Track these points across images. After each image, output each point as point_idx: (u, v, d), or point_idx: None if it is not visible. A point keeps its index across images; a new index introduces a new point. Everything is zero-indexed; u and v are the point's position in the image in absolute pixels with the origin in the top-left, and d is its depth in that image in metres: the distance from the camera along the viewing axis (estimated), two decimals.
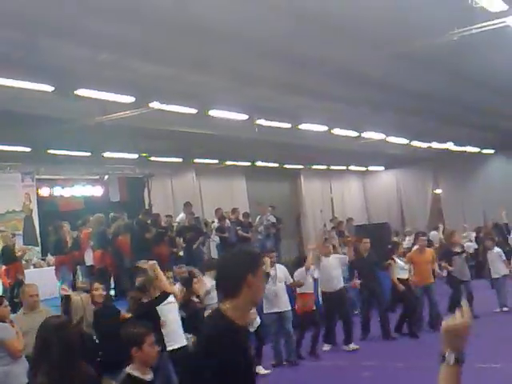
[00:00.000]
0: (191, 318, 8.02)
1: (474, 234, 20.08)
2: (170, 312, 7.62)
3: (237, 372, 2.72)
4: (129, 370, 4.36)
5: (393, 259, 12.14)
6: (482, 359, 8.77)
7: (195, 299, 8.72)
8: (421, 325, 11.93)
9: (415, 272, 12.09)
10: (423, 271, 12.03)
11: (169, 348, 7.30)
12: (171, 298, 7.60)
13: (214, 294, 8.10)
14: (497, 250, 13.73)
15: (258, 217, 17.61)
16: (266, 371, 9.50)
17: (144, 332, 4.49)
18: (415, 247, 12.76)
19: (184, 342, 7.67)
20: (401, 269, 11.98)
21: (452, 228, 19.11)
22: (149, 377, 4.40)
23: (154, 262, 7.69)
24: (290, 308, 10.21)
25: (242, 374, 2.76)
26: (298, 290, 10.69)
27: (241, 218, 16.95)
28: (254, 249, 3.28)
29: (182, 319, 7.91)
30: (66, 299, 6.87)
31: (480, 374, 8.26)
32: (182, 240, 14.28)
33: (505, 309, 13.07)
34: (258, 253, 3.24)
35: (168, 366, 7.13)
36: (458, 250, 13.58)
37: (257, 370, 9.33)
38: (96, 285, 7.39)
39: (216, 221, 16.66)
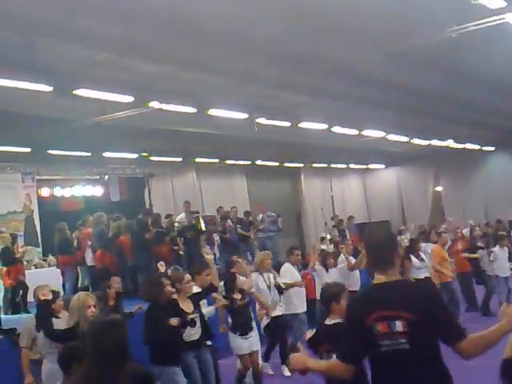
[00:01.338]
0: None
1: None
2: None
3: None
4: (328, 321, 5.06)
5: (409, 258, 11.34)
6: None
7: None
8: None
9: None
10: (447, 268, 12.03)
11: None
12: None
13: None
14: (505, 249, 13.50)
15: (259, 215, 17.60)
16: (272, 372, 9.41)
17: (341, 289, 5.21)
18: (436, 244, 12.72)
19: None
20: (417, 268, 11.40)
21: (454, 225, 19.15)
22: None
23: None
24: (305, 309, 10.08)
25: None
26: None
27: (233, 216, 17.03)
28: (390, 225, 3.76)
29: None
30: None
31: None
32: (182, 240, 14.26)
33: None
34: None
35: (207, 356, 7.15)
36: (481, 244, 13.54)
37: (266, 370, 9.30)
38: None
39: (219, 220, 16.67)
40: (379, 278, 3.32)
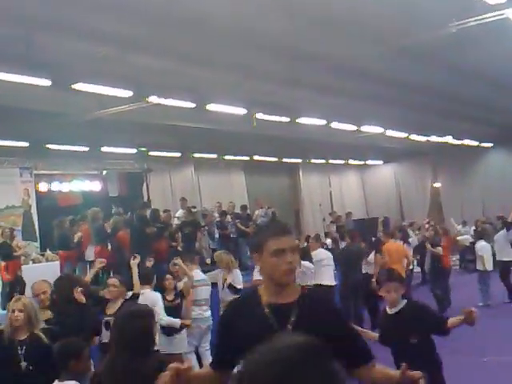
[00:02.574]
0: None
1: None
2: None
3: (226, 331, 2.97)
4: (390, 310, 4.95)
5: (373, 252, 12.42)
6: (484, 352, 8.83)
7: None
8: None
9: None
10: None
11: None
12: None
13: None
14: (481, 243, 13.68)
15: (257, 211, 17.56)
16: None
17: None
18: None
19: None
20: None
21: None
22: None
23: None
24: None
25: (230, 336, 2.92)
26: None
27: (230, 210, 17.03)
28: (272, 225, 3.11)
29: None
30: None
31: (482, 368, 8.30)
32: (180, 235, 14.24)
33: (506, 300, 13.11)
34: (266, 232, 2.98)
35: None
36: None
37: None
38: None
39: (216, 215, 16.63)
40: None
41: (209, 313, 9.01)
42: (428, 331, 4.75)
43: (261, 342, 2.64)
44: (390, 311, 4.98)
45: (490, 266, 13.41)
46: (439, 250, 13.43)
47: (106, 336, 6.90)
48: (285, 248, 2.84)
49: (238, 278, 9.44)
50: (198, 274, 9.25)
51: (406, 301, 4.99)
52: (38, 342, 5.12)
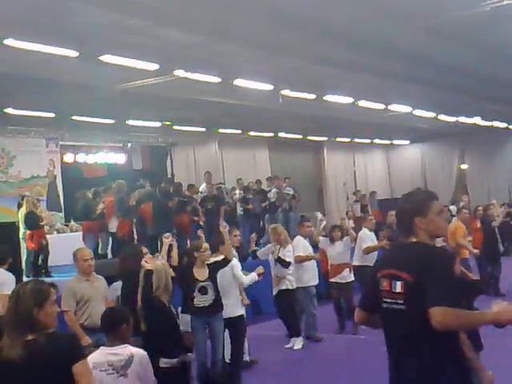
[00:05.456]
0: None
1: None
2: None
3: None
4: None
5: None
6: None
7: None
8: None
9: None
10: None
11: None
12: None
13: None
14: None
15: (274, 189, 17.32)
16: (299, 346, 9.34)
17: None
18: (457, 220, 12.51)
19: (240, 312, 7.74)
20: None
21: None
22: None
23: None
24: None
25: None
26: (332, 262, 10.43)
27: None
28: (422, 191, 3.38)
29: None
30: (146, 273, 6.21)
31: None
32: (202, 210, 14.24)
33: None
34: (426, 196, 3.39)
35: (216, 324, 7.21)
36: (496, 224, 13.46)
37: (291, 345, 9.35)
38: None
39: (238, 191, 16.60)
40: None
41: None
42: None
43: None
44: None
45: None
46: None
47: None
48: (442, 209, 3.46)
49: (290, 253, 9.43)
50: None
51: None
52: None
